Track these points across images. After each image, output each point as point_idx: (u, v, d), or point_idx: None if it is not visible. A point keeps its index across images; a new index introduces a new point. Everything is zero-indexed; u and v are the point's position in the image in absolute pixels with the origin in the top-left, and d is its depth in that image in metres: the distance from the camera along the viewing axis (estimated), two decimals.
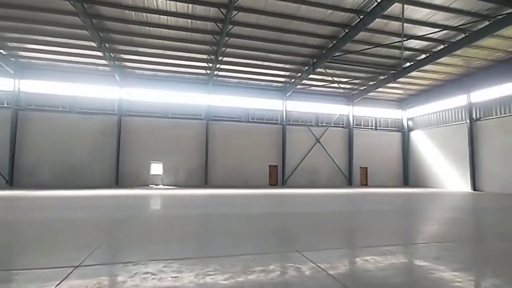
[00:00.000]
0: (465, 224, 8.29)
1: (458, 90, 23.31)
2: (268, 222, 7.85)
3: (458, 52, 17.98)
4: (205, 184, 23.85)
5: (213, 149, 24.55)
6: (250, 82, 24.75)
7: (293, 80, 23.77)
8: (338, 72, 22.15)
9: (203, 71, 22.13)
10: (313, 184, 26.36)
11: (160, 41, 17.48)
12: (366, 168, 27.91)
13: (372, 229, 7.33)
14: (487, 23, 14.68)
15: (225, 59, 19.97)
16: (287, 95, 25.80)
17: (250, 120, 25.69)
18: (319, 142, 26.96)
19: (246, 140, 25.31)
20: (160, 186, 22.76)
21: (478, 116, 22.04)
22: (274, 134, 26.10)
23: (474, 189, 21.69)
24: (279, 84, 25.17)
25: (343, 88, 25.52)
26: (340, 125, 27.96)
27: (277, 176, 25.79)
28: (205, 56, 19.59)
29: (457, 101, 23.80)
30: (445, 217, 9.46)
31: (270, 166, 25.69)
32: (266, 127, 26.00)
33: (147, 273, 3.80)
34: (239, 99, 25.81)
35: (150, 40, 17.44)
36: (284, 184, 25.51)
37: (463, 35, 16.10)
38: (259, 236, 6.17)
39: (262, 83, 24.86)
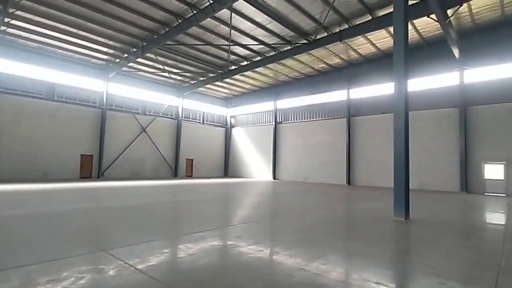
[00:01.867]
0: (264, 206, 10.36)
1: (269, 97, 28.82)
2: (70, 222, 6.67)
3: (270, 65, 22.22)
4: None
5: None
6: (60, 52, 20.12)
7: (118, 60, 21.38)
8: (169, 61, 21.93)
9: None
10: (136, 175, 24.90)
11: None
12: (192, 160, 29.38)
13: (188, 218, 7.78)
14: (289, 47, 18.94)
15: (21, 13, 15.20)
16: (110, 76, 22.93)
17: (56, 98, 20.89)
18: (145, 132, 25.78)
19: (49, 123, 20.42)
20: None
21: (280, 120, 28.15)
22: (90, 118, 22.52)
23: (275, 178, 27.62)
24: (100, 62, 21.96)
25: (174, 79, 25.58)
26: (169, 116, 27.90)
27: (91, 167, 22.46)
28: None
29: (268, 106, 29.40)
30: (250, 201, 11.44)
31: (83, 155, 21.99)
32: (80, 110, 22.04)
33: None
34: (41, 70, 20.38)
35: None
36: (100, 176, 22.60)
37: (273, 53, 20.00)
38: (55, 239, 5.14)
39: (76, 55, 20.81)
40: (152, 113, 26.54)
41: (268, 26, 16.73)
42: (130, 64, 21.79)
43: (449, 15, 13.47)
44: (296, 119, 26.87)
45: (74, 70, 21.80)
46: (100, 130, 22.92)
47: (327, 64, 22.09)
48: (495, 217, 9.01)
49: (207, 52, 20.44)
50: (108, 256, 4.29)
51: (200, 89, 28.67)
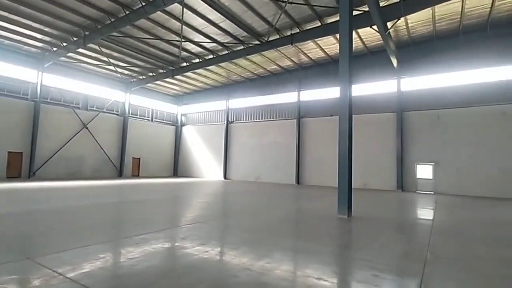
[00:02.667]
0: (213, 207, 10.19)
1: (221, 96, 28.57)
2: None
3: (223, 64, 22.04)
4: None
5: None
6: None
7: (55, 49, 19.32)
8: (116, 54, 20.48)
9: None
10: (74, 175, 22.75)
11: None
12: (139, 158, 27.83)
13: (131, 220, 7.30)
14: (242, 47, 18.99)
15: None
16: (45, 66, 20.62)
17: None
18: (87, 128, 23.71)
19: None
20: None
21: (232, 119, 28.08)
22: (20, 112, 19.99)
23: (226, 178, 27.46)
24: (34, 50, 19.63)
25: (121, 73, 23.97)
26: (115, 112, 26.05)
27: (21, 166, 19.95)
28: None
29: (220, 105, 29.12)
30: (199, 202, 11.17)
31: (10, 153, 19.43)
32: (8, 102, 19.44)
33: None
34: None
35: None
36: (31, 176, 20.20)
37: (226, 52, 19.88)
38: None
39: (6, 41, 18.36)
40: (95, 108, 24.49)
41: (221, 24, 16.57)
42: (70, 54, 19.86)
43: (389, 27, 14.74)
44: (248, 119, 27.07)
45: (2, 57, 19.15)
46: (33, 125, 20.46)
47: (279, 66, 22.65)
48: (425, 213, 10.07)
49: (157, 47, 19.53)
50: (34, 265, 3.80)
51: (150, 85, 27.31)
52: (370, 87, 20.75)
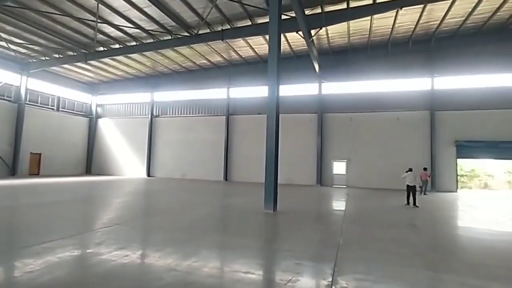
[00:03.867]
0: (134, 206, 9.47)
1: (145, 88, 26.68)
2: None
3: (147, 53, 20.60)
4: None
5: None
6: None
7: None
8: (9, 28, 17.13)
9: None
10: None
11: None
12: (40, 154, 23.95)
13: (30, 226, 6.26)
14: (169, 37, 18.06)
15: None
16: None
17: None
18: None
19: None
20: None
21: (157, 113, 26.52)
22: None
23: (149, 175, 25.82)
24: None
25: (15, 51, 20.18)
26: (6, 98, 21.81)
27: None
28: None
29: (144, 97, 27.17)
30: (118, 202, 10.26)
31: None
32: None
33: None
34: None
35: None
36: None
37: (152, 40, 18.63)
38: None
39: None
40: None
41: (146, 9, 15.43)
42: None
43: (312, 34, 15.98)
44: (175, 114, 25.99)
45: None
46: None
47: (209, 60, 22.35)
48: (339, 205, 11.28)
49: (66, 25, 17.05)
50: None
51: (56, 69, 23.76)
52: (296, 89, 22.17)
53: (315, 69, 19.78)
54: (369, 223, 7.51)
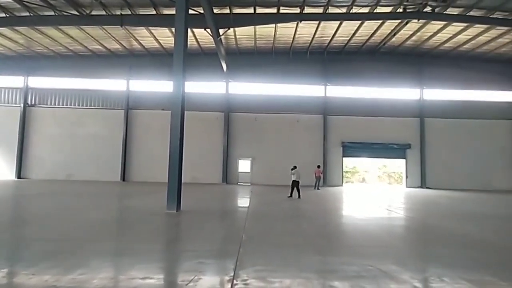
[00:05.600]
0: None
1: (18, 70, 21.98)
2: None
3: (21, 29, 17.05)
4: None
5: None
6: None
7: None
8: None
9: None
10: None
11: None
12: None
13: None
14: (52, 13, 15.31)
15: None
16: None
17: None
18: None
19: None
20: None
21: (33, 102, 22.19)
22: None
23: (19, 177, 21.37)
24: None
25: None
26: None
27: None
28: None
29: (15, 81, 22.31)
30: None
31: None
32: None
33: None
34: None
35: None
36: None
37: (28, 13, 15.45)
38: None
39: None
40: None
41: None
42: None
43: (221, 34, 16.17)
44: (59, 104, 22.29)
45: None
46: None
47: (105, 47, 20.06)
48: (243, 202, 11.75)
49: None
50: None
51: None
52: (203, 86, 22.02)
53: (222, 68, 20.08)
54: (268, 217, 8.09)
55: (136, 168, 21.58)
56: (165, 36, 18.41)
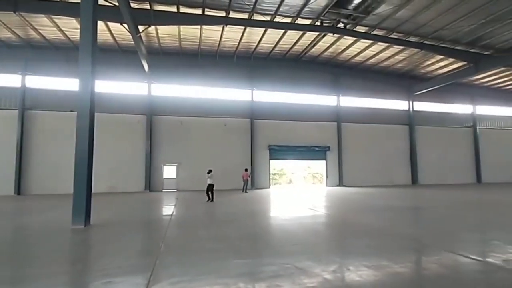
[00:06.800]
0: None
1: None
2: None
3: None
4: None
5: None
6: None
7: None
8: None
9: None
10: None
11: None
12: None
13: None
14: None
15: None
16: None
17: None
18: None
19: None
20: None
21: None
22: None
23: None
24: None
25: None
26: None
27: None
28: None
29: None
30: None
31: None
32: None
33: None
34: None
35: None
36: None
37: None
38: None
39: None
40: None
41: None
42: None
43: (140, 30, 15.21)
44: None
45: None
46: None
47: None
48: (166, 210, 11.15)
49: None
50: None
51: None
52: (122, 86, 20.37)
53: (144, 68, 18.92)
54: (193, 224, 7.84)
55: (37, 179, 18.59)
56: (72, 27, 16.41)
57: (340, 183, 23.80)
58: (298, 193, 18.02)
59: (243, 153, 21.96)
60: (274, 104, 23.00)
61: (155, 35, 17.91)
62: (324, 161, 24.15)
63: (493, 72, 23.36)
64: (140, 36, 15.59)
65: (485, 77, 25.51)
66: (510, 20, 16.21)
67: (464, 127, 27.98)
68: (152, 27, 16.02)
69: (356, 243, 5.77)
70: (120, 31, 16.68)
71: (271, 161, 22.99)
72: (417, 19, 16.76)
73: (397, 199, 14.31)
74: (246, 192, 18.44)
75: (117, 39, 18.04)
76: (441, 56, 20.94)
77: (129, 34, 15.60)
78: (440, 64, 23.11)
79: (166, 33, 17.87)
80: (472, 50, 20.15)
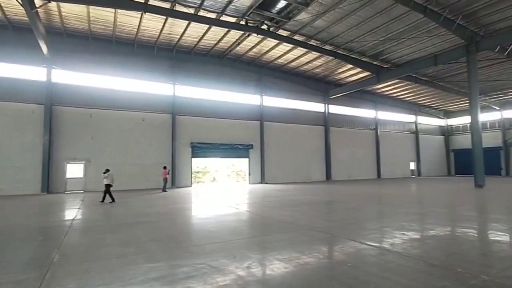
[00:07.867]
0: None
1: None
2: None
3: None
4: None
5: None
6: None
7: None
8: None
9: None
10: None
11: None
12: None
13: None
14: None
15: None
16: None
17: None
18: None
19: None
20: None
21: None
22: None
23: None
24: None
25: None
26: None
27: None
28: None
29: None
30: None
31: None
32: None
33: None
34: None
35: None
36: None
37: None
38: None
39: None
40: None
41: None
42: None
43: (36, 6, 13.06)
44: None
45: None
46: None
47: None
48: (67, 214, 9.82)
49: None
50: None
51: None
52: (12, 69, 17.22)
53: (42, 50, 16.30)
54: (98, 228, 7.08)
55: None
56: None
57: (262, 181, 24.68)
58: (220, 191, 18.01)
59: (164, 150, 20.91)
60: (197, 101, 22.49)
61: (57, 13, 15.61)
62: (247, 159, 24.69)
63: (390, 83, 27.29)
64: (37, 11, 13.39)
65: (385, 87, 29.71)
66: (403, 39, 19.20)
67: (368, 130, 32.07)
68: (53, 3, 13.93)
69: (272, 238, 6.01)
70: (12, 4, 14.05)
71: (193, 158, 22.42)
72: (331, 30, 18.47)
73: (312, 194, 15.53)
74: (165, 191, 17.61)
75: (6, 13, 15.15)
76: (351, 65, 23.52)
77: (22, 8, 13.23)
78: (351, 72, 25.96)
79: (71, 12, 15.76)
80: (374, 63, 23.20)
